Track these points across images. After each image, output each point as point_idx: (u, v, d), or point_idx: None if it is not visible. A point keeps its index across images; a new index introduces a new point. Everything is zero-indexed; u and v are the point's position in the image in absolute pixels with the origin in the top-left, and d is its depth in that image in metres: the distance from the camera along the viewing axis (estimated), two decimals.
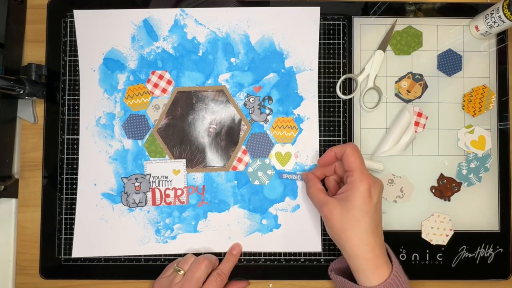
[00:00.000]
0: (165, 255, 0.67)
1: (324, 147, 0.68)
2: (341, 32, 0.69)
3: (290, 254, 0.68)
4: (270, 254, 0.68)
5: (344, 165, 0.60)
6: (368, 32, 0.70)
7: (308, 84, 0.68)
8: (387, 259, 0.58)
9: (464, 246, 0.68)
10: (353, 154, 0.59)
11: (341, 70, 0.69)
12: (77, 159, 0.68)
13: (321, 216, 0.64)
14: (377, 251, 0.57)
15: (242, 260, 0.68)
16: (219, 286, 0.62)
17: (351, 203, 0.57)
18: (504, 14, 0.62)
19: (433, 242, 0.68)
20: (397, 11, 0.70)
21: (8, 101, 0.66)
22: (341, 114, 0.69)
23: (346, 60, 0.69)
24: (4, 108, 0.65)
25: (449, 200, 0.68)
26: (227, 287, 0.65)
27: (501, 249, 0.68)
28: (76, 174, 0.68)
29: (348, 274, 0.61)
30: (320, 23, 0.69)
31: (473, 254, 0.68)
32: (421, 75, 0.69)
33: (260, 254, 0.68)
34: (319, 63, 0.69)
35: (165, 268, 0.65)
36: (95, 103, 0.68)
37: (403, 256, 0.68)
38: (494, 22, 0.64)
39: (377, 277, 0.56)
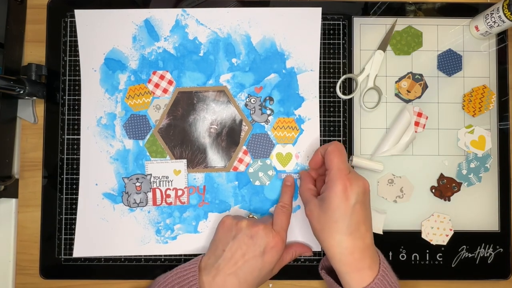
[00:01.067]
0: (165, 255, 0.67)
1: None
2: (341, 32, 0.69)
3: None
4: None
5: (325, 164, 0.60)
6: (368, 32, 0.70)
7: (309, 85, 0.68)
8: (372, 262, 0.56)
9: (464, 246, 0.68)
10: (332, 153, 0.58)
11: (341, 70, 0.69)
12: (77, 159, 0.68)
13: None
14: (357, 254, 0.55)
15: None
16: (287, 216, 0.63)
17: (327, 203, 0.56)
18: (504, 14, 0.62)
19: (433, 242, 0.68)
20: (397, 11, 0.70)
21: (8, 101, 0.66)
22: (341, 114, 0.69)
23: (346, 60, 0.69)
24: (4, 108, 0.65)
25: (449, 200, 0.68)
26: (292, 246, 0.65)
27: (501, 249, 0.68)
28: (76, 174, 0.68)
29: None
30: (320, 23, 0.69)
31: (473, 254, 0.68)
32: (421, 75, 0.69)
33: None
34: (319, 63, 0.69)
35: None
36: (96, 103, 0.68)
37: (403, 256, 0.68)
38: (494, 22, 0.64)
39: (358, 281, 0.55)
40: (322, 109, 0.69)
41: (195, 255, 0.67)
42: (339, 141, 0.68)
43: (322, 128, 0.69)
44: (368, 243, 0.57)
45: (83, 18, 0.68)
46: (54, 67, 0.68)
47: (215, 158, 0.68)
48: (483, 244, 0.68)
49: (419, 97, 0.69)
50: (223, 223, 0.62)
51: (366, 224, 0.57)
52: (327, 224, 0.56)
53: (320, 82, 0.69)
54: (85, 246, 0.67)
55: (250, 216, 0.67)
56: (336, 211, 0.55)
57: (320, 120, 0.69)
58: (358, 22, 0.70)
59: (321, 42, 0.69)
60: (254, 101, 0.68)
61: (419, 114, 0.68)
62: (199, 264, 0.59)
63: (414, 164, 0.69)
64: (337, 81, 0.69)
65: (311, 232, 0.67)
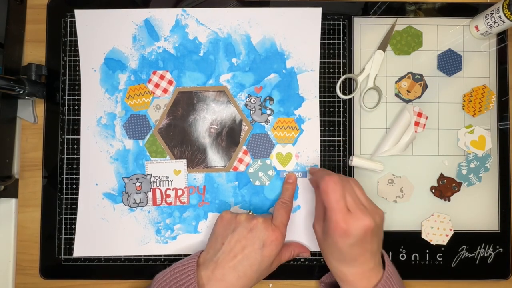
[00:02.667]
0: (165, 255, 0.67)
1: (324, 147, 0.68)
2: (341, 32, 0.69)
3: None
4: None
5: None
6: (368, 32, 0.70)
7: (309, 84, 0.68)
8: (368, 283, 0.56)
9: (464, 246, 0.68)
10: (324, 193, 0.55)
11: (341, 70, 0.69)
12: (77, 159, 0.68)
13: None
14: (351, 277, 0.56)
15: None
16: (287, 211, 0.63)
17: (327, 233, 0.56)
18: (504, 14, 0.62)
19: (433, 242, 0.68)
20: (397, 11, 0.70)
21: (8, 101, 0.66)
22: (341, 114, 0.69)
23: (346, 60, 0.69)
24: (4, 108, 0.65)
25: (449, 200, 0.68)
26: (290, 245, 0.66)
27: (501, 249, 0.68)
28: (76, 174, 0.68)
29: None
30: (320, 23, 0.69)
31: (473, 254, 0.68)
32: (421, 75, 0.69)
33: None
34: (319, 63, 0.69)
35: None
36: (96, 103, 0.68)
37: (403, 256, 0.68)
38: (494, 22, 0.64)
39: None
40: (322, 109, 0.69)
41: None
42: (339, 141, 0.68)
43: (322, 128, 0.68)
44: (366, 268, 0.56)
45: (83, 18, 0.68)
46: (54, 67, 0.68)
47: (215, 158, 0.68)
48: (483, 244, 0.68)
49: (419, 97, 0.69)
50: (221, 218, 0.62)
51: (365, 255, 0.56)
52: (325, 249, 0.59)
53: (320, 82, 0.69)
54: (85, 246, 0.67)
55: (250, 213, 0.66)
56: (331, 245, 0.56)
57: (320, 120, 0.69)
58: (358, 22, 0.70)
59: (321, 42, 0.69)
60: (254, 101, 0.68)
61: (419, 114, 0.68)
62: (197, 259, 0.59)
63: (414, 164, 0.69)
64: (337, 81, 0.69)
65: (310, 233, 0.67)
